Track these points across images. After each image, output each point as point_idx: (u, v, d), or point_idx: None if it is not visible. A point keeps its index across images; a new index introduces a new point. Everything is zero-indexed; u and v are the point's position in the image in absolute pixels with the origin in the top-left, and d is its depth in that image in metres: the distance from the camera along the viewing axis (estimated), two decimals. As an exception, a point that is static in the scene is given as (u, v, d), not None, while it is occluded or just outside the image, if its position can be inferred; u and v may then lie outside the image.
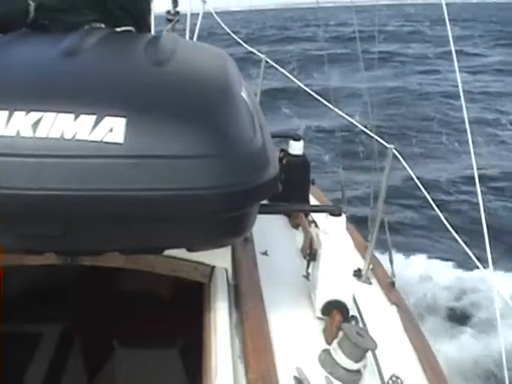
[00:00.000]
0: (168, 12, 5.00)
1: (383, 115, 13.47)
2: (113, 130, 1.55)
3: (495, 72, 24.83)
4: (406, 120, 15.68)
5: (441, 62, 23.68)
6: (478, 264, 2.69)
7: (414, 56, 28.84)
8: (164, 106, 1.66)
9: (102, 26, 2.55)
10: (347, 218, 3.36)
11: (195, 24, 4.86)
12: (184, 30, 4.92)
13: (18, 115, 1.54)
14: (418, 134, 14.09)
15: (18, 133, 1.53)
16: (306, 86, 4.18)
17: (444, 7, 3.19)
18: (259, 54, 4.35)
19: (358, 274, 2.75)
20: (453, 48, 3.06)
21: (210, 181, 1.57)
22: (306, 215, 3.09)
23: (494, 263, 2.65)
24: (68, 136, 1.54)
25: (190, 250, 1.93)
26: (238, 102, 1.82)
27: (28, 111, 1.55)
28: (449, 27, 3.16)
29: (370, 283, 2.85)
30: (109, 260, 2.20)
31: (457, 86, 3.03)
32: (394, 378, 2.02)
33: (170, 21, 5.00)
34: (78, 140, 1.53)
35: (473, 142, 2.89)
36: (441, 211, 2.99)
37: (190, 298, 2.52)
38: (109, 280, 3.18)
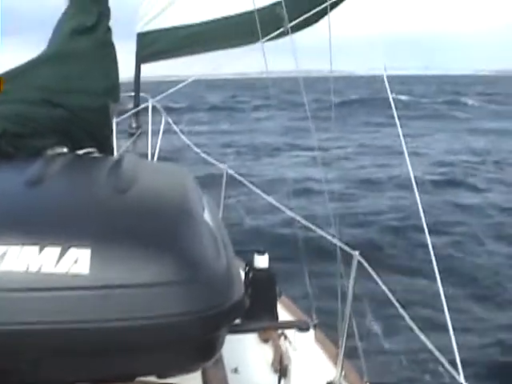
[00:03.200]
0: (129, 126, 5.13)
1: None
2: (77, 261, 1.55)
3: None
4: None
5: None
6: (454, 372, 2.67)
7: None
8: (126, 235, 1.68)
9: (65, 148, 2.58)
10: (317, 326, 3.34)
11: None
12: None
13: None
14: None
15: None
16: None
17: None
18: (221, 165, 4.42)
19: None
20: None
21: (176, 308, 1.57)
22: (275, 330, 3.07)
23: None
24: (33, 269, 1.54)
25: (159, 376, 1.90)
26: (200, 225, 1.84)
27: None
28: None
29: None
30: None
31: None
32: None
33: (132, 134, 5.12)
34: (43, 273, 1.54)
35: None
36: (408, 314, 3.00)
37: None
38: None
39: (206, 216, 1.94)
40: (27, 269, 1.53)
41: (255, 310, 2.81)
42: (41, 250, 1.56)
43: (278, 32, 4.20)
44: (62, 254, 1.55)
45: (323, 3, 4.11)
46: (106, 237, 1.64)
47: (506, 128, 30.76)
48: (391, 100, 3.29)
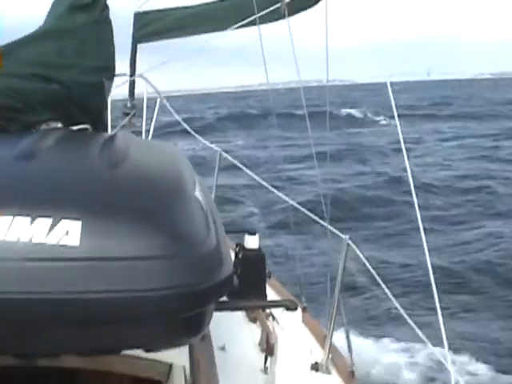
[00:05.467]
0: (125, 106, 5.11)
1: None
2: (68, 232, 1.56)
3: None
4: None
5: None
6: (440, 356, 2.71)
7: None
8: (117, 208, 1.68)
9: (59, 124, 2.59)
10: (306, 308, 3.36)
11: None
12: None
13: None
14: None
15: None
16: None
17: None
18: (214, 147, 4.43)
19: (315, 367, 2.74)
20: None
21: (165, 282, 1.59)
22: (263, 309, 3.09)
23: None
24: (24, 239, 1.55)
25: (146, 350, 1.92)
26: (191, 201, 1.85)
27: None
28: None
29: (330, 373, 2.84)
30: (66, 360, 2.16)
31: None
32: None
33: (127, 114, 5.10)
34: (34, 243, 1.54)
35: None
36: (396, 298, 3.03)
37: None
38: (65, 382, 3.10)
39: (198, 193, 1.95)
40: (18, 239, 1.54)
41: (244, 289, 2.82)
42: (32, 220, 1.56)
43: (273, 9, 4.18)
44: (53, 226, 1.56)
45: None
46: (97, 210, 1.65)
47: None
48: (393, 107, 3.18)
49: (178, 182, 1.94)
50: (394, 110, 3.12)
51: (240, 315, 3.10)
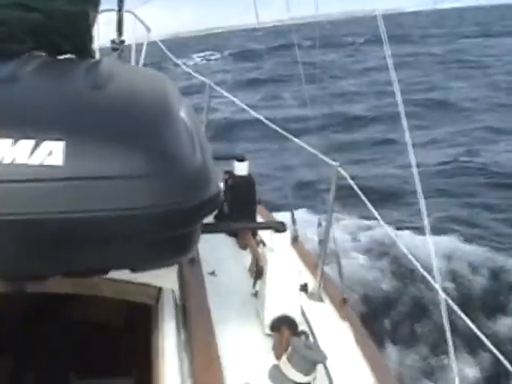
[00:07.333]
0: (113, 41, 5.03)
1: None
2: (52, 153, 1.56)
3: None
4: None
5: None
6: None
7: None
8: (101, 128, 1.68)
9: (43, 54, 2.55)
10: (298, 236, 3.37)
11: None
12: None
13: None
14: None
15: None
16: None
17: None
18: (204, 79, 4.38)
19: (305, 288, 2.77)
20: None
21: (150, 200, 1.59)
22: (254, 235, 3.11)
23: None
24: (7, 161, 1.54)
25: (133, 270, 1.94)
26: (176, 121, 1.84)
27: None
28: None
29: (322, 300, 2.87)
30: (55, 286, 2.18)
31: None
32: None
33: (115, 50, 5.03)
34: (17, 164, 1.54)
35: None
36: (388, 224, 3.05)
37: (140, 321, 2.51)
38: (57, 308, 3.14)
39: (183, 115, 1.94)
40: (1, 160, 1.54)
41: (233, 215, 2.84)
42: (15, 142, 1.56)
43: None
44: (35, 147, 1.56)
45: None
46: (79, 130, 1.64)
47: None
48: (385, 40, 3.10)
49: (163, 102, 1.93)
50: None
51: (230, 243, 3.12)
